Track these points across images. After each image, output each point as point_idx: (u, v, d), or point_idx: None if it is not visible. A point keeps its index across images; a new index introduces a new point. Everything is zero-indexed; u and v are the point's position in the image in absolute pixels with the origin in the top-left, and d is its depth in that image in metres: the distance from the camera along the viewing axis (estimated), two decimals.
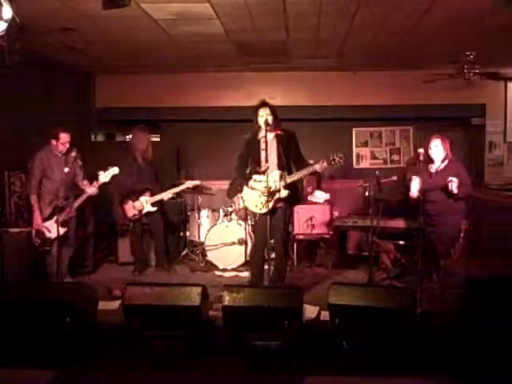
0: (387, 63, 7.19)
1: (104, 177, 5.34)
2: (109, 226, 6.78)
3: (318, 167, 4.52)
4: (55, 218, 4.95)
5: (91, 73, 7.85)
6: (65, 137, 5.24)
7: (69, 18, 4.89)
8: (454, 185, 4.72)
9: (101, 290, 4.77)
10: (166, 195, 6.05)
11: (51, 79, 6.67)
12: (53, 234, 5.14)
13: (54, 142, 5.23)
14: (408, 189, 5.16)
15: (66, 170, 5.21)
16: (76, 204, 5.33)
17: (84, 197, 5.34)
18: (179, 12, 4.80)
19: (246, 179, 4.79)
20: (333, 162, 4.48)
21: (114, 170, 5.38)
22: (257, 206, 4.72)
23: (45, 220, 5.21)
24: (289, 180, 4.61)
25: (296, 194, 4.91)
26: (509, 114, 7.82)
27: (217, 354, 3.72)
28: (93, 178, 5.46)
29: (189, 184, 6.20)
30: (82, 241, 6.01)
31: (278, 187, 4.59)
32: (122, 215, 6.10)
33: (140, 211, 5.99)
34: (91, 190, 5.33)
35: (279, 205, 4.69)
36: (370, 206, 5.50)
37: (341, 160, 4.47)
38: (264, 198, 4.61)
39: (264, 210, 4.65)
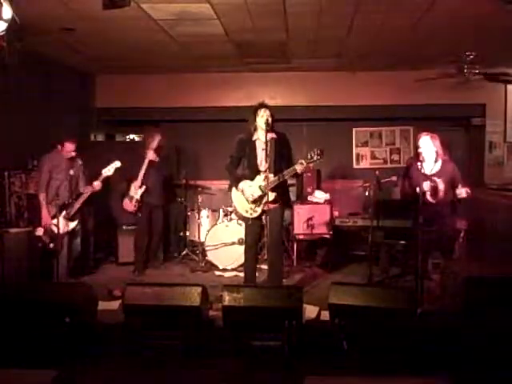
0: (387, 63, 7.18)
1: (107, 170, 5.51)
2: (109, 227, 6.79)
3: (298, 169, 4.52)
4: (62, 214, 5.14)
5: (91, 73, 7.84)
6: (69, 146, 5.47)
7: (69, 18, 4.90)
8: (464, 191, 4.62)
9: (101, 290, 4.78)
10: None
11: (51, 79, 6.66)
12: (61, 230, 5.20)
13: (60, 148, 5.51)
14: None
15: (72, 172, 5.48)
16: (81, 199, 5.50)
17: (88, 192, 5.51)
18: (179, 12, 4.80)
19: (236, 183, 4.80)
20: (312, 161, 4.48)
21: (116, 164, 5.53)
22: (247, 212, 4.75)
23: (52, 218, 5.35)
24: (272, 183, 4.60)
25: (287, 195, 4.94)
26: (509, 114, 7.80)
27: (217, 353, 3.71)
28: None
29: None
30: (83, 241, 6.01)
31: (264, 191, 4.58)
32: (127, 213, 6.18)
33: (136, 201, 6.03)
34: (95, 184, 5.49)
35: (269, 207, 4.62)
36: (370, 206, 5.50)
37: (319, 156, 4.45)
38: (252, 204, 4.68)
39: (255, 215, 4.71)
